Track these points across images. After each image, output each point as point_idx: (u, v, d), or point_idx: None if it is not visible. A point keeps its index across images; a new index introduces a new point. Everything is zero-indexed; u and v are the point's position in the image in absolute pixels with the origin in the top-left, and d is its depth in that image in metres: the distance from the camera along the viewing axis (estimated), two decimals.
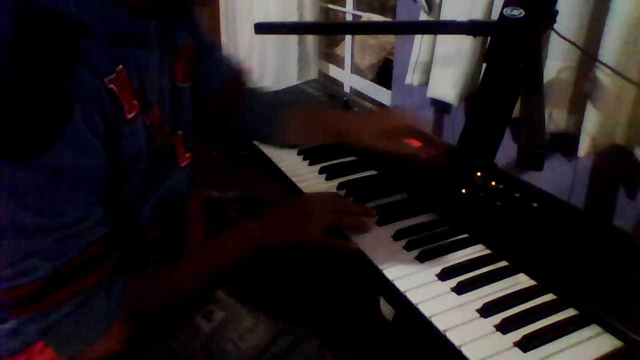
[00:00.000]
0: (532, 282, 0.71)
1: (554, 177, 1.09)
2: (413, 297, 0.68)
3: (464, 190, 0.87)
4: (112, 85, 0.60)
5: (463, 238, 0.79)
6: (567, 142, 1.05)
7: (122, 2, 0.60)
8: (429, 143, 0.91)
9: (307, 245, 0.78)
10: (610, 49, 0.89)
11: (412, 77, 1.38)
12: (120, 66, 0.62)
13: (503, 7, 0.83)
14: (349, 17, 2.13)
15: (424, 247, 0.76)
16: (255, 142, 1.14)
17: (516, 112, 0.89)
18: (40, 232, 0.55)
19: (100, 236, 0.60)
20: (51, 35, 0.54)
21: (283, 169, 1.03)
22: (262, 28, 1.00)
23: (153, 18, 0.66)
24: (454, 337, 0.62)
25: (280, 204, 0.82)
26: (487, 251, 0.77)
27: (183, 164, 0.79)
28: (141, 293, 0.66)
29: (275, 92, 1.18)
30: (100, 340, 0.61)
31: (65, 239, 0.57)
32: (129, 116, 0.63)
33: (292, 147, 1.06)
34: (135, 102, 0.64)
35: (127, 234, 0.68)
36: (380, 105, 1.91)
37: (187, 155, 0.80)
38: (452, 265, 0.73)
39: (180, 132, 0.78)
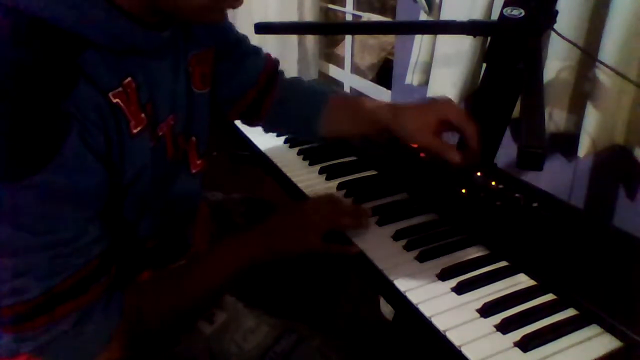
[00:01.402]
0: (532, 282, 0.71)
1: (554, 177, 1.09)
2: (413, 297, 0.68)
3: (464, 190, 0.87)
4: (117, 100, 0.59)
5: (463, 238, 0.79)
6: (567, 142, 1.05)
7: (128, 15, 0.59)
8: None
9: (307, 252, 0.78)
10: (610, 49, 0.89)
11: (412, 77, 1.38)
12: (129, 79, 0.60)
13: (503, 7, 0.82)
14: (349, 17, 2.13)
15: (424, 247, 0.76)
16: (256, 142, 1.14)
17: (516, 112, 0.89)
18: (33, 251, 0.54)
19: (97, 255, 0.59)
20: (50, 51, 0.53)
21: (283, 169, 1.03)
22: (262, 28, 0.99)
23: (166, 29, 0.65)
24: (454, 337, 0.62)
25: (276, 215, 0.81)
26: (487, 251, 0.77)
27: (194, 171, 0.78)
28: (141, 304, 0.66)
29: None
30: (99, 356, 0.61)
31: (59, 257, 0.55)
32: (135, 131, 0.62)
33: (326, 140, 0.98)
34: (143, 115, 0.63)
35: (126, 246, 0.68)
36: None
37: (199, 162, 0.79)
38: (452, 265, 0.73)
39: (194, 138, 0.77)
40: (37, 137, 0.51)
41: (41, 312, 0.55)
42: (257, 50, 0.95)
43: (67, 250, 0.56)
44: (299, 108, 0.95)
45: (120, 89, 0.59)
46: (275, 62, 0.97)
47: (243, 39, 0.92)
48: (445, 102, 0.85)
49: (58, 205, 0.54)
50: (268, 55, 0.97)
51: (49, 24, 0.53)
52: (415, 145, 0.86)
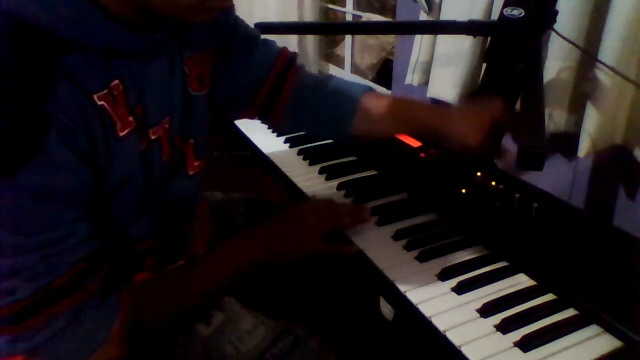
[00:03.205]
0: (532, 282, 0.71)
1: (554, 177, 1.09)
2: (413, 297, 0.68)
3: (464, 190, 0.87)
4: (102, 102, 0.58)
5: (463, 238, 0.79)
6: (567, 142, 1.05)
7: (117, 18, 0.58)
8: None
9: (308, 255, 0.78)
10: (610, 49, 0.89)
11: (412, 77, 1.38)
12: (117, 81, 0.60)
13: (503, 7, 0.83)
14: (349, 17, 2.13)
15: (424, 247, 0.76)
16: (256, 142, 1.14)
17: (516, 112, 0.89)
18: (19, 252, 0.54)
19: (86, 255, 0.59)
20: (31, 52, 0.53)
21: (283, 169, 1.03)
22: (262, 28, 0.99)
23: (158, 31, 0.64)
24: (454, 337, 0.62)
25: (275, 217, 0.80)
26: (487, 251, 0.77)
27: (192, 172, 0.78)
28: (140, 303, 0.65)
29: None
30: (95, 355, 0.60)
31: (47, 258, 0.55)
32: (122, 134, 0.61)
33: (354, 140, 0.93)
34: (131, 118, 0.62)
35: (119, 246, 0.68)
36: None
37: (197, 163, 0.78)
38: (452, 265, 0.73)
39: (191, 140, 0.76)
40: (15, 137, 0.51)
41: (34, 312, 0.55)
42: (269, 45, 0.91)
43: (55, 251, 0.56)
44: (327, 106, 0.91)
45: (105, 91, 0.59)
46: (290, 57, 0.92)
47: (251, 36, 0.89)
48: (497, 104, 0.82)
49: (40, 206, 0.54)
50: (282, 49, 0.92)
51: (32, 25, 0.53)
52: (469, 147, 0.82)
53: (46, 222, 0.55)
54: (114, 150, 0.60)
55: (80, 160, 0.56)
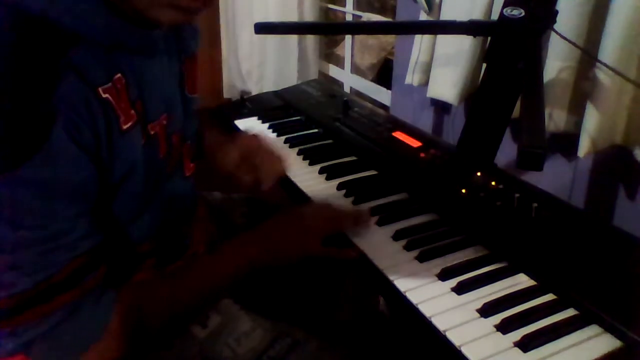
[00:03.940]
0: (532, 282, 0.71)
1: (554, 177, 1.09)
2: (413, 297, 0.68)
3: (464, 190, 0.87)
4: (107, 95, 0.58)
5: (463, 238, 0.79)
6: (567, 142, 1.05)
7: (120, 12, 0.59)
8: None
9: (307, 256, 0.78)
10: (610, 49, 0.89)
11: (412, 77, 1.38)
12: (119, 75, 0.60)
13: (503, 7, 0.83)
14: (349, 17, 2.13)
15: (424, 247, 0.76)
16: None
17: (516, 112, 0.89)
18: (20, 246, 0.54)
19: (85, 251, 0.59)
20: (38, 45, 0.53)
21: None
22: (262, 28, 1.00)
23: (156, 28, 0.65)
24: (454, 337, 0.62)
25: (275, 219, 0.80)
26: (487, 251, 0.77)
27: (188, 174, 0.79)
28: (140, 303, 0.65)
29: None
30: (90, 352, 0.60)
31: (47, 252, 0.55)
32: (125, 127, 0.62)
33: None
34: (133, 112, 0.63)
35: (120, 245, 0.68)
36: (380, 105, 1.91)
37: (192, 165, 0.80)
38: (452, 265, 0.73)
39: (189, 142, 0.77)
40: (20, 130, 0.51)
41: (31, 306, 0.56)
42: None
43: (56, 245, 0.56)
44: None
45: (110, 84, 0.59)
46: None
47: None
48: (249, 137, 0.94)
49: (42, 200, 0.54)
50: None
51: (38, 17, 0.53)
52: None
53: (48, 216, 0.55)
54: (117, 144, 0.61)
55: (84, 154, 0.57)
